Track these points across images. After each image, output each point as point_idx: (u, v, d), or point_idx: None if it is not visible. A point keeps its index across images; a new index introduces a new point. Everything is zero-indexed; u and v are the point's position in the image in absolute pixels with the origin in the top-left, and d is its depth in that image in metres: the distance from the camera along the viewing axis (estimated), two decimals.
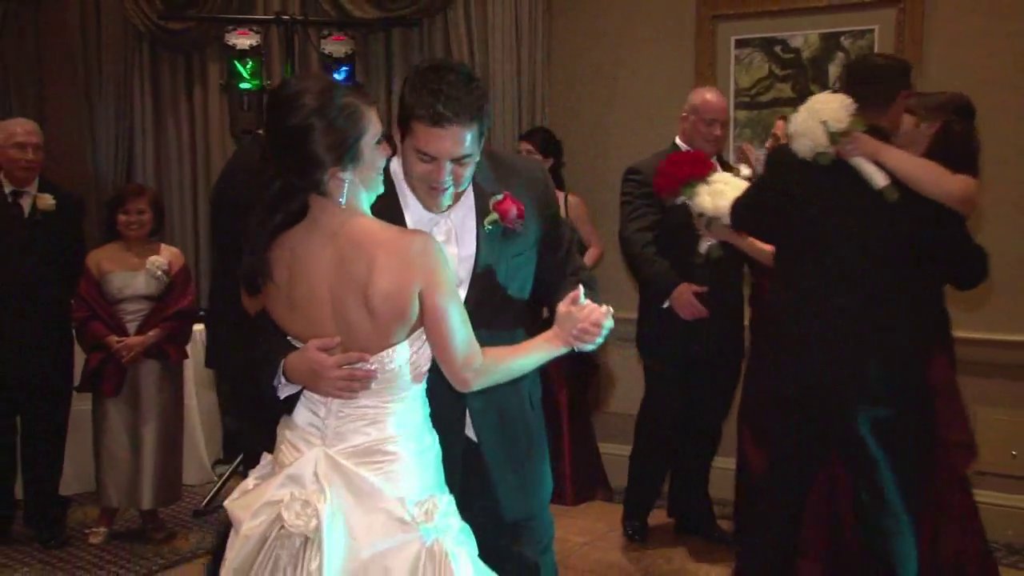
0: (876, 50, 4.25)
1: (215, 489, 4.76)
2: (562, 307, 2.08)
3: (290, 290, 1.95)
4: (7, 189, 4.13)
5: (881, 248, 2.82)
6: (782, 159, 2.96)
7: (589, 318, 2.04)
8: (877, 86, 2.89)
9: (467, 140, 2.04)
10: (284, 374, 1.99)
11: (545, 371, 4.26)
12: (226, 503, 2.01)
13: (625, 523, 4.21)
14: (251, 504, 1.95)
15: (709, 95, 3.94)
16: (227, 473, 4.86)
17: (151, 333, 4.15)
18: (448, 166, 2.05)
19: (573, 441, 4.67)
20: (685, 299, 3.70)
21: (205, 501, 4.69)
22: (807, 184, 2.88)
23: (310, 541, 1.88)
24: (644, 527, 4.19)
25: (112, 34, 5.86)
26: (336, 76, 4.96)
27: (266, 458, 2.07)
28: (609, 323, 2.07)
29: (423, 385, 2.02)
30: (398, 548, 1.91)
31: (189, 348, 4.43)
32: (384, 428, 1.95)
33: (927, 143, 2.97)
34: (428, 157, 2.04)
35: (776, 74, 4.49)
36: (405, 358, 1.94)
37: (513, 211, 2.19)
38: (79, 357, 4.33)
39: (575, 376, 4.69)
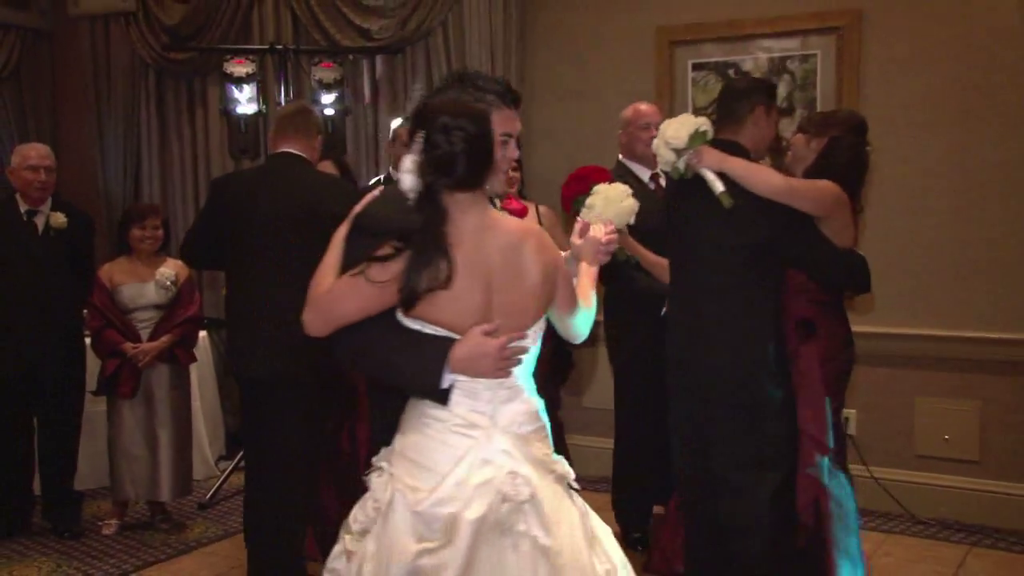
0: (819, 72, 4.47)
1: (219, 483, 4.91)
2: (575, 239, 2.40)
3: (455, 283, 2.01)
4: (23, 208, 4.31)
5: (734, 249, 2.98)
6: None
7: (605, 231, 2.38)
8: (732, 104, 3.07)
9: None
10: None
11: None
12: (423, 509, 1.97)
13: (627, 537, 4.02)
14: (454, 496, 1.95)
15: (640, 105, 4.01)
16: (230, 468, 5.00)
17: (163, 339, 4.30)
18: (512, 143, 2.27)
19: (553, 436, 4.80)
20: None
21: (209, 494, 4.81)
22: (675, 192, 3.15)
23: (524, 508, 1.95)
24: (646, 537, 4.03)
25: (121, 64, 6.03)
26: (325, 100, 5.13)
27: (378, 472, 2.10)
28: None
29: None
30: (569, 503, 2.07)
31: (196, 352, 4.60)
32: (531, 400, 2.11)
33: (814, 157, 3.08)
34: (508, 137, 2.21)
35: None
36: (537, 332, 2.11)
37: (518, 208, 2.53)
38: (91, 363, 4.47)
39: (552, 371, 4.65)
